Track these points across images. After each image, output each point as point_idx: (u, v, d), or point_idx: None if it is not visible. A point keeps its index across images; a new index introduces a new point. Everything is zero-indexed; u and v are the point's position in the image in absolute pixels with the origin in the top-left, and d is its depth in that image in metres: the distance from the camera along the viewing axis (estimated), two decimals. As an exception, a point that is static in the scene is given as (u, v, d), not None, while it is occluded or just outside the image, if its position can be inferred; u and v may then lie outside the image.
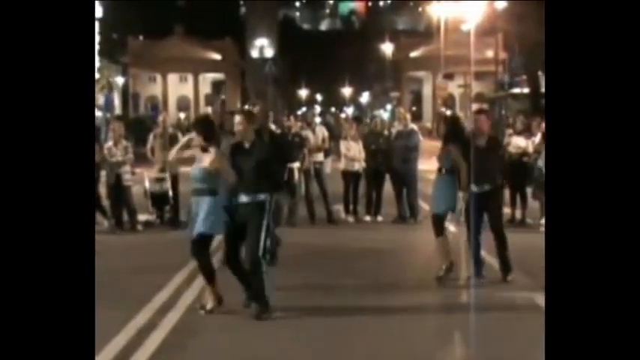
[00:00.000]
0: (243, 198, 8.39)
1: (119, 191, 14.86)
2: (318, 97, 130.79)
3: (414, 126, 16.72)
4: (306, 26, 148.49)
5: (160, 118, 16.41)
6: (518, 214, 15.63)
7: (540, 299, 8.90)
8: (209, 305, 8.45)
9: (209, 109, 69.55)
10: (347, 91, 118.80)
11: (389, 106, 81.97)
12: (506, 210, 15.27)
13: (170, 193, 15.19)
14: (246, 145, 8.52)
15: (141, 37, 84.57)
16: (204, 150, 8.42)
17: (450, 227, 11.44)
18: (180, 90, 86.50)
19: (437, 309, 9.05)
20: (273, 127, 15.91)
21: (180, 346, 7.32)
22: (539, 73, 39.10)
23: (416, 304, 9.13)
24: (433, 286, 10.00)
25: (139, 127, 35.60)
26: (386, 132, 16.96)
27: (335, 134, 20.25)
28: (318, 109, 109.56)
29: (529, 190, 15.64)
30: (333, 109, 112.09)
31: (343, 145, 16.35)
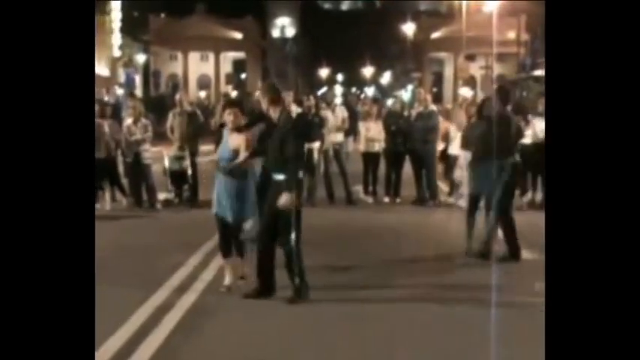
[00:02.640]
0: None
1: (138, 169, 14.88)
2: (339, 77, 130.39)
3: (434, 107, 16.62)
4: (327, 6, 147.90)
5: (177, 97, 16.36)
6: (538, 196, 15.52)
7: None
8: (242, 279, 8.61)
9: (229, 88, 69.32)
10: (368, 71, 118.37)
11: (410, 87, 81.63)
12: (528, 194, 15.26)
13: (189, 171, 15.18)
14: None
15: (162, 15, 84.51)
16: (239, 130, 8.44)
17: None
18: (201, 68, 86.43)
19: (455, 296, 8.96)
20: (293, 107, 15.94)
21: (197, 327, 7.27)
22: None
23: (434, 289, 9.04)
24: (450, 270, 9.93)
25: (159, 105, 35.50)
26: (406, 113, 16.89)
27: (355, 114, 20.15)
28: (339, 88, 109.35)
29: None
30: (353, 89, 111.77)
31: (363, 126, 16.28)
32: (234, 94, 47.00)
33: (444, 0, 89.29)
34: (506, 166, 10.29)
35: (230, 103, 9.94)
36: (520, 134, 11.11)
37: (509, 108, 11.23)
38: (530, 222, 11.86)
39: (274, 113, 8.23)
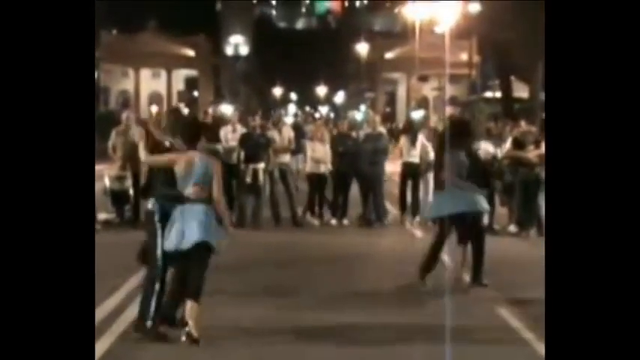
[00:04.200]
0: None
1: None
2: (293, 95, 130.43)
3: (382, 129, 16.46)
4: (282, 24, 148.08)
5: (124, 116, 15.99)
6: (485, 219, 15.37)
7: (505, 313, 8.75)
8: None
9: (181, 105, 68.88)
10: (322, 90, 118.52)
11: (363, 107, 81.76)
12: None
13: (131, 191, 14.82)
14: None
15: (114, 32, 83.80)
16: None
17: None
18: (152, 85, 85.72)
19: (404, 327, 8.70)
20: (238, 126, 15.72)
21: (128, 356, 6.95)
22: (512, 77, 39.02)
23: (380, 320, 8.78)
24: (397, 297, 9.68)
25: (107, 121, 34.94)
26: (354, 134, 16.72)
27: (302, 134, 19.96)
28: (292, 107, 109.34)
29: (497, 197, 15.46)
30: (307, 108, 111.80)
31: (309, 146, 16.04)
32: (185, 111, 46.45)
33: (397, 20, 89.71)
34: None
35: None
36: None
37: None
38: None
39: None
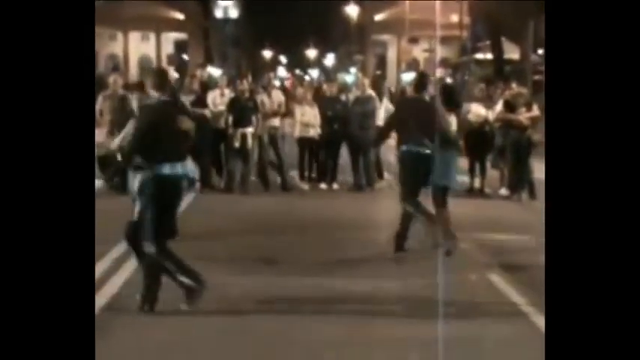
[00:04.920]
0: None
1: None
2: (283, 59, 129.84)
3: (371, 92, 16.27)
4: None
5: (111, 79, 15.75)
6: (477, 183, 15.30)
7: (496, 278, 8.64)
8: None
9: (171, 69, 68.44)
10: (312, 53, 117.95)
11: (353, 70, 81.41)
12: (465, 179, 15.02)
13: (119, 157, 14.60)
14: None
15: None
16: None
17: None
18: (141, 49, 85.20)
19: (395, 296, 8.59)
20: (227, 90, 15.50)
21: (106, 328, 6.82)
22: (503, 39, 38.74)
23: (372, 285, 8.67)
24: (390, 265, 9.55)
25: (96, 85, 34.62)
26: (343, 97, 16.53)
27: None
28: (282, 71, 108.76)
29: (489, 159, 15.37)
30: (297, 71, 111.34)
31: (298, 110, 15.84)
32: (175, 75, 46.18)
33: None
34: None
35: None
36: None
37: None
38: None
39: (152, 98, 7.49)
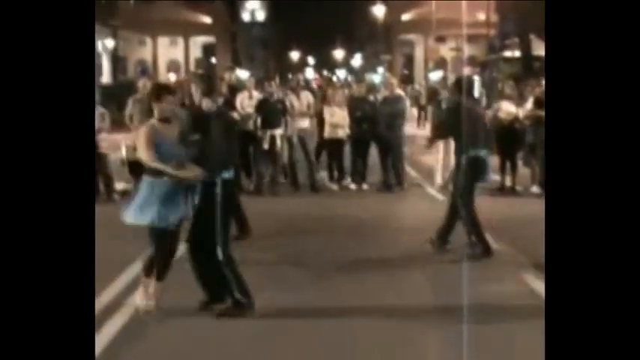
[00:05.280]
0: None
1: (96, 159, 14.34)
2: (310, 60, 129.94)
3: (400, 91, 16.20)
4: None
5: (140, 83, 15.79)
6: (508, 181, 15.19)
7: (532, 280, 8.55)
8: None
9: (199, 71, 68.64)
10: (339, 53, 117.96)
11: (380, 69, 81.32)
12: (496, 177, 14.91)
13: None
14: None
15: (131, 0, 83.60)
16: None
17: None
18: (170, 53, 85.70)
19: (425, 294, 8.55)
20: (255, 92, 15.51)
21: (140, 336, 6.82)
22: (531, 36, 38.46)
23: (402, 286, 8.62)
24: (419, 265, 9.49)
25: (127, 90, 34.82)
26: (372, 97, 16.47)
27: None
28: (310, 72, 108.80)
29: (520, 157, 15.26)
30: (325, 72, 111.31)
31: (327, 111, 15.82)
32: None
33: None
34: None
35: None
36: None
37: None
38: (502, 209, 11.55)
39: (207, 105, 7.39)
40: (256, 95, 15.38)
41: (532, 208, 13.30)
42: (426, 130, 14.44)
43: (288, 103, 15.34)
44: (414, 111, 15.29)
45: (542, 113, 14.30)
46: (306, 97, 16.47)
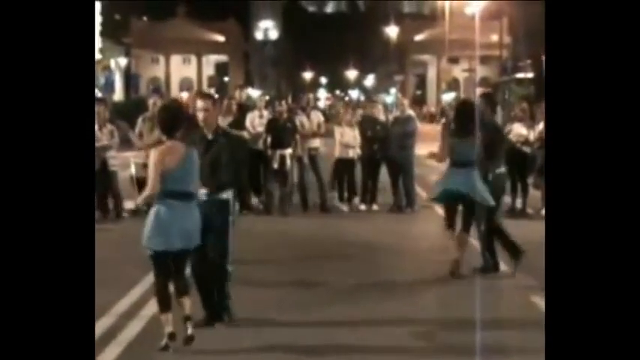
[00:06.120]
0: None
1: (105, 177, 14.31)
2: (323, 79, 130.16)
3: (411, 112, 16.13)
4: (311, 8, 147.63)
5: (151, 102, 15.75)
6: (519, 203, 15.07)
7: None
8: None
9: (212, 90, 68.87)
10: (352, 74, 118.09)
11: (393, 90, 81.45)
12: (507, 199, 14.79)
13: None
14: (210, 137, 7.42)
15: (144, 18, 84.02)
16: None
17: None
18: (183, 72, 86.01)
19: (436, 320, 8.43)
20: (265, 112, 15.48)
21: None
22: (543, 57, 38.44)
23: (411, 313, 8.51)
24: (431, 289, 9.38)
25: (139, 108, 34.86)
26: (382, 118, 16.40)
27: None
28: (323, 92, 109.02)
29: (530, 180, 15.13)
30: (337, 92, 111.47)
31: (337, 131, 15.76)
32: (216, 96, 46.36)
33: (427, 1, 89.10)
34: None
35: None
36: None
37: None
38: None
39: (206, 124, 7.40)
40: (267, 115, 15.35)
41: (543, 231, 13.19)
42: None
43: (298, 123, 15.29)
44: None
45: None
46: (317, 116, 16.43)
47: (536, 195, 15.10)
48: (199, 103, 7.47)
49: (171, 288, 6.92)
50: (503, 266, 10.01)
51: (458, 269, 9.60)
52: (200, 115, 7.41)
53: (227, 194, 7.42)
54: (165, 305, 6.82)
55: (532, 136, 14.78)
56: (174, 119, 6.93)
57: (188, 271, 7.29)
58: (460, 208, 9.84)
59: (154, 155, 6.75)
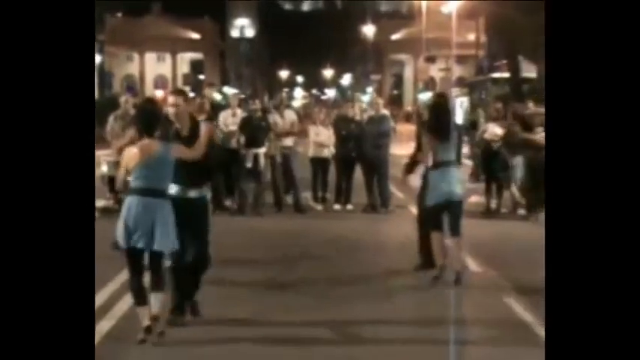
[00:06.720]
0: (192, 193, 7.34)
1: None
2: (300, 78, 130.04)
3: (385, 111, 16.04)
4: (288, 6, 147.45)
5: (122, 99, 15.58)
6: (493, 203, 15.01)
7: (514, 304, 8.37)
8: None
9: (187, 89, 68.58)
10: (328, 72, 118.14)
11: (370, 89, 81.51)
12: (482, 199, 14.76)
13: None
14: (185, 132, 7.33)
15: (119, 15, 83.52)
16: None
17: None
18: (157, 69, 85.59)
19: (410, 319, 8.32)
20: (238, 110, 15.33)
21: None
22: (520, 57, 38.51)
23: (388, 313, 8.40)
24: (403, 288, 9.28)
25: (110, 106, 34.62)
26: (357, 117, 16.29)
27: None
28: (299, 91, 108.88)
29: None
30: (314, 91, 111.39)
31: (312, 130, 15.65)
32: (191, 94, 46.12)
33: (404, 0, 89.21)
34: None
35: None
36: None
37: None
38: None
39: (178, 119, 7.32)
40: (240, 113, 15.20)
41: (517, 231, 13.15)
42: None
43: (271, 122, 15.16)
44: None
45: (528, 136, 14.15)
46: (290, 115, 16.30)
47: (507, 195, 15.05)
48: (170, 99, 7.46)
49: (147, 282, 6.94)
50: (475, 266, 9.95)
51: (443, 275, 9.40)
52: (171, 111, 7.35)
53: (203, 192, 7.47)
54: (140, 299, 6.86)
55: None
56: (152, 119, 6.95)
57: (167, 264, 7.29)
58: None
59: (133, 154, 6.80)
